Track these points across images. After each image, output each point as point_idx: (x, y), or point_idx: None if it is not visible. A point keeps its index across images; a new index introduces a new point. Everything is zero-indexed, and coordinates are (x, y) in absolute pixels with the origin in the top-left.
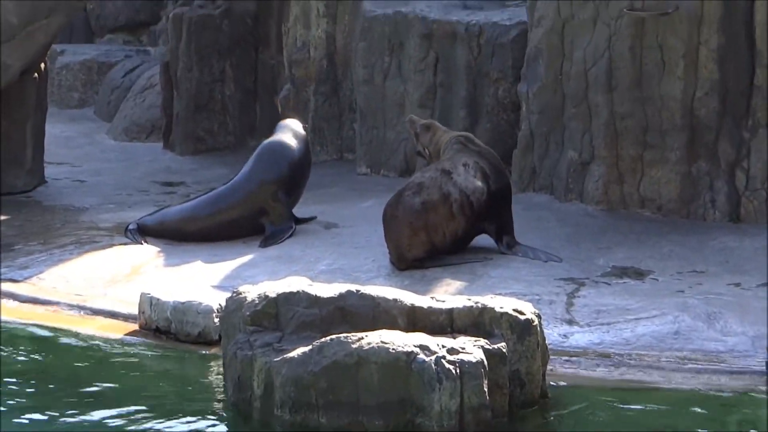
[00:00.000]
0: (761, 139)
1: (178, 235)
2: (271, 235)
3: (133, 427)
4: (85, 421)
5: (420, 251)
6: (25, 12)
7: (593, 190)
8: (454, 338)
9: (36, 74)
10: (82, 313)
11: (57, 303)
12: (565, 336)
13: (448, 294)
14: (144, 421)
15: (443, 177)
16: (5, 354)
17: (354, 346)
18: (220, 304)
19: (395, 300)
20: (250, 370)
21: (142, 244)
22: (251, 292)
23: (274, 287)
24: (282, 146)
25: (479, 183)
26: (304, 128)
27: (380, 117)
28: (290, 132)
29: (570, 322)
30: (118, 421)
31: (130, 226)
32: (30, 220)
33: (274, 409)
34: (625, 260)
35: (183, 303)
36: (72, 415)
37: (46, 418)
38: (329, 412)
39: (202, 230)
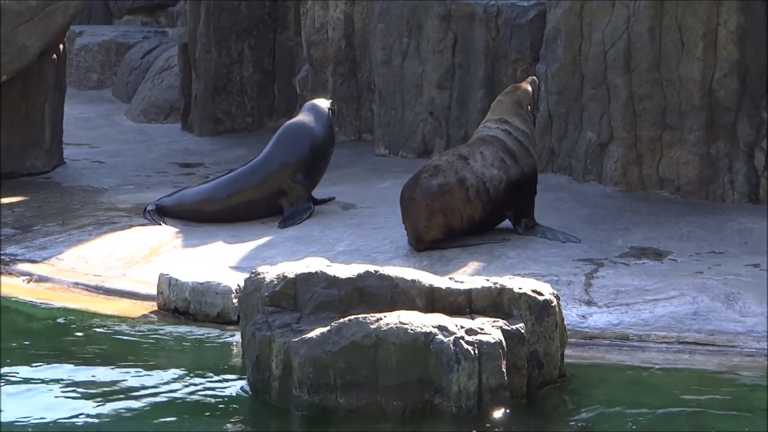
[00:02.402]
0: None
1: (197, 216)
2: (290, 216)
3: (151, 408)
4: (102, 401)
5: (437, 233)
6: None
7: (612, 171)
8: (473, 319)
9: (54, 55)
10: (100, 293)
11: (75, 284)
12: (583, 317)
13: (466, 275)
14: (162, 401)
15: (460, 162)
16: (23, 335)
17: (372, 326)
18: (238, 285)
19: (414, 281)
20: (268, 350)
21: (160, 225)
22: (270, 272)
23: (292, 268)
24: (304, 128)
25: (496, 171)
26: (331, 107)
27: (399, 98)
28: (314, 114)
29: (588, 303)
30: (135, 402)
31: (149, 207)
32: (49, 201)
33: (293, 389)
34: (644, 241)
35: (202, 283)
36: (89, 396)
37: (63, 398)
38: (347, 393)
39: (220, 211)
